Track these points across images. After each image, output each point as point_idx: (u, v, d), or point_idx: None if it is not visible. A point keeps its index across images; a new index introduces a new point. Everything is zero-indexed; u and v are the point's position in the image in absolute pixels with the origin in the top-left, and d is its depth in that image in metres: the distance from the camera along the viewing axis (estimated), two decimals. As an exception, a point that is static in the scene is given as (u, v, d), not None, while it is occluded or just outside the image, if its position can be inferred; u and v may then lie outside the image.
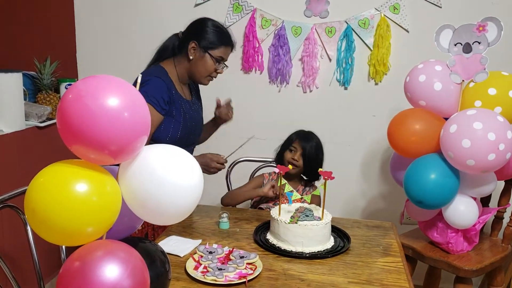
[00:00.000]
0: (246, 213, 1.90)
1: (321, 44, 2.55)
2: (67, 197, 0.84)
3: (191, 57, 1.76)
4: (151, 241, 1.13)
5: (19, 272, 1.91)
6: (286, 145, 1.96)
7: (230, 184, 2.26)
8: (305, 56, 2.56)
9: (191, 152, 1.98)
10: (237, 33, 2.61)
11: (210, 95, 2.70)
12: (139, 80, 1.00)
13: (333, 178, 1.56)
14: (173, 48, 1.84)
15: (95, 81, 0.87)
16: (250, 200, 2.04)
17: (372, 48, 2.50)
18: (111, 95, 0.86)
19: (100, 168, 0.92)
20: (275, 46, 2.58)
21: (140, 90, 1.70)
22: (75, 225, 0.85)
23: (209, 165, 1.79)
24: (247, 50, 2.59)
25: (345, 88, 2.60)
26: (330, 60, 2.57)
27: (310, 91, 2.63)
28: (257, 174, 2.27)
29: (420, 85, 1.68)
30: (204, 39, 1.75)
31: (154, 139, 1.75)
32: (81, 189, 0.85)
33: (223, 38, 1.77)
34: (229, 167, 2.27)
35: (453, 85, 1.67)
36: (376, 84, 2.55)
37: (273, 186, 1.81)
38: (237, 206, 2.20)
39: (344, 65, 2.55)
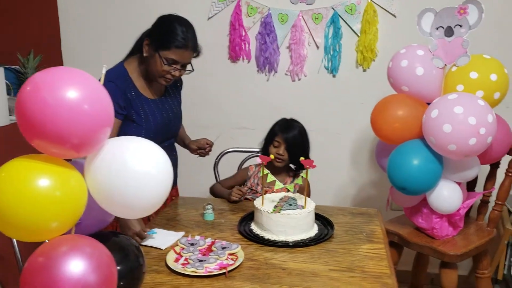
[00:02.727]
0: (232, 204, 1.89)
1: (308, 31, 2.52)
2: (29, 192, 0.83)
3: (145, 54, 1.66)
4: (125, 235, 1.12)
5: (2, 271, 1.91)
6: (270, 139, 1.93)
7: (218, 175, 2.25)
8: (292, 44, 2.54)
9: (171, 144, 1.94)
10: (222, 22, 2.59)
11: (197, 86, 2.70)
12: (103, 72, 0.98)
13: (315, 166, 1.55)
14: None
15: (54, 73, 0.86)
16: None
17: (359, 34, 2.47)
18: (69, 87, 0.85)
19: (64, 163, 0.91)
20: (261, 34, 2.55)
21: None
22: (39, 220, 0.84)
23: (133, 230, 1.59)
24: (234, 38, 2.56)
25: (334, 76, 2.57)
26: (317, 47, 2.54)
27: (299, 79, 2.61)
28: (245, 164, 2.26)
29: (402, 71, 1.66)
30: (156, 38, 1.63)
31: None
32: (44, 184, 0.85)
33: (177, 40, 1.61)
34: (217, 158, 2.26)
35: (436, 69, 1.65)
36: (364, 70, 2.53)
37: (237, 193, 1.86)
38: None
39: (331, 52, 2.52)
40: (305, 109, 2.61)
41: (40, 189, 0.84)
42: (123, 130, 1.69)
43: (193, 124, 2.66)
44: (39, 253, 0.85)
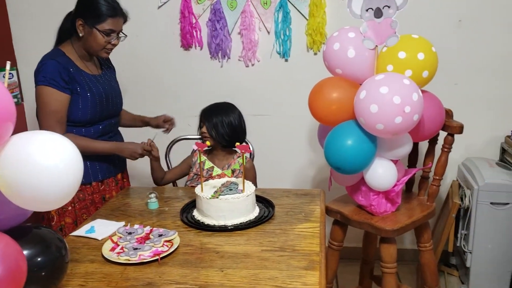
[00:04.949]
0: (178, 191, 1.92)
1: (258, 16, 2.53)
2: None
3: (81, 35, 1.78)
4: (47, 228, 1.14)
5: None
6: (199, 122, 1.98)
7: (170, 163, 2.27)
8: (243, 30, 2.55)
9: (116, 123, 2.01)
10: (172, 10, 2.58)
11: (151, 75, 2.70)
12: (7, 68, 0.99)
13: (250, 151, 1.58)
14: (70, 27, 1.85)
15: None
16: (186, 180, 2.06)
17: (308, 18, 2.49)
18: (-36, 86, 0.86)
19: (-31, 160, 0.93)
20: (212, 21, 2.56)
21: (37, 75, 1.74)
22: None
23: (137, 151, 1.85)
24: (184, 26, 2.57)
25: (286, 60, 2.60)
26: (268, 32, 2.56)
27: (252, 64, 2.63)
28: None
29: (335, 53, 1.69)
30: (89, 15, 1.75)
31: (69, 120, 1.79)
32: None
33: (109, 10, 1.76)
34: (167, 146, 2.28)
35: (368, 51, 1.68)
36: (315, 54, 2.56)
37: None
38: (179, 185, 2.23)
39: (282, 37, 2.54)
40: (260, 93, 2.64)
41: None
42: (72, 104, 1.78)
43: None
44: None
